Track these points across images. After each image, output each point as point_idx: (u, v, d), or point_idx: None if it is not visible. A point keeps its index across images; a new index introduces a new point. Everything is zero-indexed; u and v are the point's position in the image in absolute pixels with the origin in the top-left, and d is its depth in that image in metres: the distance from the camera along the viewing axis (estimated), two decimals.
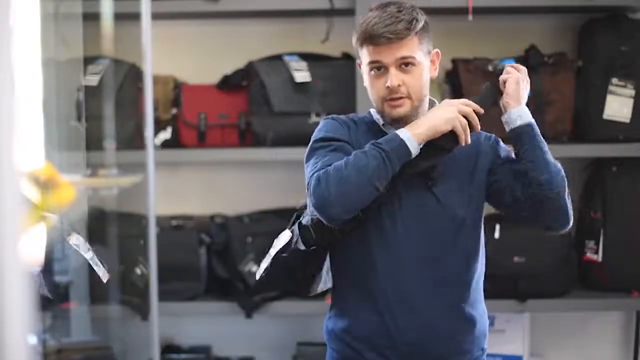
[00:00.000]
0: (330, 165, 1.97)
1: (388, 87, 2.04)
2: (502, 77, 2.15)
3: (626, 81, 3.34)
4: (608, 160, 3.43)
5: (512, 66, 2.17)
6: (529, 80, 2.17)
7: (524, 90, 2.15)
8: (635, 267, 3.37)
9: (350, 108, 3.27)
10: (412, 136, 1.98)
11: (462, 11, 3.32)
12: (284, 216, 3.54)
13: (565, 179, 2.08)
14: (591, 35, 3.41)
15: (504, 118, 2.13)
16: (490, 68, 3.34)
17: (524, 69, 2.16)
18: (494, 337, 3.50)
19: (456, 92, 3.37)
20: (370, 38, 2.03)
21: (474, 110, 2.05)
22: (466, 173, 2.12)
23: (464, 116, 2.02)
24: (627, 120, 3.34)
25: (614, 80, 3.34)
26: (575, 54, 3.49)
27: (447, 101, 2.06)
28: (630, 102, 3.34)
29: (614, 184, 3.39)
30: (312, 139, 2.14)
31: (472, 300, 2.14)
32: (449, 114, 2.01)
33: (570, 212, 2.09)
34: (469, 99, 2.08)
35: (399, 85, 2.04)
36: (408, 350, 2.09)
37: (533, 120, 2.12)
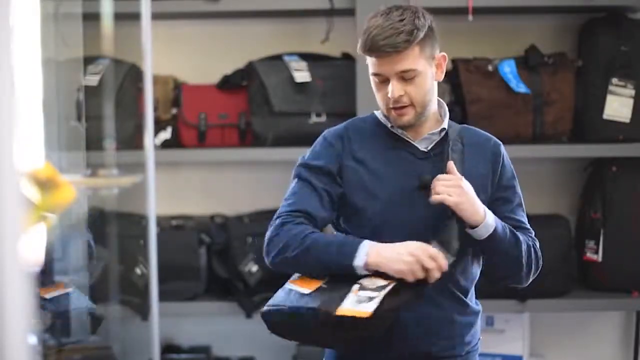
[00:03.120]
0: (292, 209, 2.08)
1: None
2: (439, 199, 2.01)
3: (626, 81, 3.34)
4: (608, 160, 3.43)
5: (437, 182, 2.03)
6: (456, 176, 2.03)
7: (463, 195, 2.01)
8: (635, 267, 3.37)
9: (350, 108, 3.27)
10: (363, 265, 1.96)
11: (462, 11, 3.32)
12: None
13: (525, 256, 2.10)
14: (591, 35, 3.41)
15: (468, 230, 2.05)
16: (490, 68, 3.34)
17: (447, 178, 2.03)
18: (494, 337, 3.50)
19: (456, 92, 3.37)
20: (370, 50, 2.04)
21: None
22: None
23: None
24: (627, 120, 3.34)
25: (614, 80, 3.34)
26: (575, 54, 3.49)
27: (417, 246, 1.96)
28: (630, 102, 3.34)
29: (613, 184, 3.39)
30: (302, 159, 2.16)
31: (471, 294, 2.17)
32: (408, 261, 1.93)
33: (526, 273, 2.13)
34: (436, 246, 1.98)
35: (400, 96, 2.05)
36: (412, 345, 2.11)
37: (494, 225, 2.04)
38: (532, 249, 2.12)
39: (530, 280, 2.17)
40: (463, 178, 2.04)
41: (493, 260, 2.12)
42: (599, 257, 3.38)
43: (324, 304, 1.91)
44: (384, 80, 2.07)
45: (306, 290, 1.96)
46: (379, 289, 1.92)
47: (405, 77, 2.05)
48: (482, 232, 2.04)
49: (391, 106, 2.07)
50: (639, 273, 3.39)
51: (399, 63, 2.03)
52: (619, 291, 3.41)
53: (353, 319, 1.87)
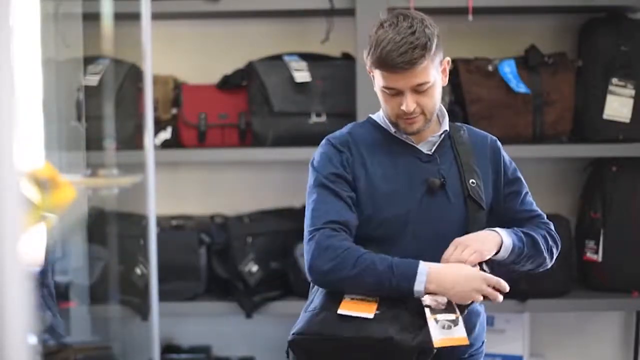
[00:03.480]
0: (328, 220, 2.02)
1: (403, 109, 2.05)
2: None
3: (626, 81, 3.34)
4: (608, 160, 3.43)
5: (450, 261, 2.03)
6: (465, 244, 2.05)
7: (471, 247, 2.03)
8: (635, 267, 3.37)
9: (351, 108, 3.27)
10: (423, 290, 1.97)
11: (462, 11, 3.32)
12: (284, 216, 3.55)
13: (545, 249, 2.16)
14: (591, 35, 3.41)
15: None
16: (490, 68, 3.34)
17: (449, 252, 2.04)
18: (494, 337, 3.50)
19: (456, 92, 3.37)
20: (384, 66, 2.01)
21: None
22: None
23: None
24: (627, 120, 3.34)
25: (614, 80, 3.34)
26: (575, 54, 3.49)
27: (478, 278, 2.00)
28: (630, 102, 3.34)
29: (613, 184, 3.39)
30: (316, 167, 2.12)
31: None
32: (476, 286, 1.99)
33: (548, 258, 2.19)
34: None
35: (414, 108, 2.05)
36: None
37: (511, 244, 2.08)
38: (548, 236, 2.18)
39: (554, 260, 2.22)
40: (457, 240, 2.05)
41: (517, 266, 2.16)
42: (599, 257, 3.38)
43: (419, 336, 1.92)
44: (396, 94, 2.05)
45: (369, 315, 1.94)
46: (449, 310, 1.96)
47: (420, 89, 2.04)
48: (503, 254, 2.09)
49: (404, 116, 2.07)
50: (639, 273, 3.39)
51: (414, 77, 2.01)
52: (619, 291, 3.41)
53: (452, 348, 1.94)
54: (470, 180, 2.11)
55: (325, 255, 1.99)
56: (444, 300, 1.98)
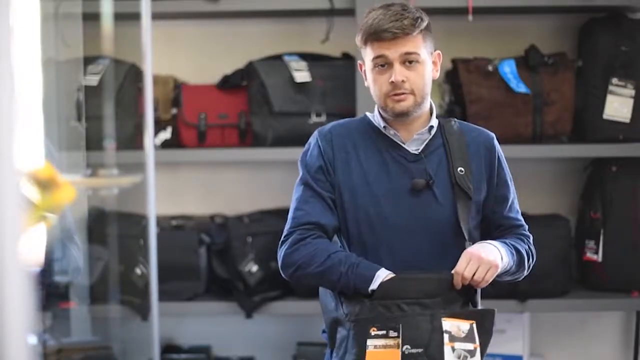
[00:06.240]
0: (306, 222, 2.09)
1: (392, 82, 2.05)
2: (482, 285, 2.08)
3: (626, 81, 3.34)
4: (608, 160, 3.43)
5: (462, 275, 2.03)
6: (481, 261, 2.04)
7: (484, 261, 2.02)
8: (635, 267, 3.37)
9: (350, 108, 3.27)
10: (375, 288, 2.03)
11: (462, 11, 3.32)
12: (284, 216, 3.54)
13: (527, 263, 2.17)
14: (591, 35, 3.41)
15: None
16: (490, 68, 3.34)
17: (462, 264, 2.04)
18: (494, 337, 3.49)
19: (456, 92, 3.37)
20: (375, 33, 2.05)
21: None
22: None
23: None
24: (627, 120, 3.34)
25: (614, 80, 3.34)
26: (575, 54, 3.49)
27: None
28: (630, 102, 3.34)
29: (614, 184, 3.39)
30: (303, 162, 2.18)
31: (475, 299, 2.16)
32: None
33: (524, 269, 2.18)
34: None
35: (402, 81, 2.06)
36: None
37: (508, 260, 2.09)
38: (530, 252, 2.17)
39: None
40: (470, 253, 2.03)
41: (502, 279, 2.15)
42: (599, 257, 3.38)
43: None
44: (385, 66, 2.07)
45: None
46: (469, 337, 1.96)
47: (409, 60, 2.06)
48: (499, 271, 2.08)
49: (391, 93, 2.07)
50: (639, 273, 3.39)
51: (404, 45, 2.05)
52: (619, 291, 3.41)
53: None
54: (459, 169, 2.10)
55: (297, 252, 2.08)
56: (465, 327, 1.97)
